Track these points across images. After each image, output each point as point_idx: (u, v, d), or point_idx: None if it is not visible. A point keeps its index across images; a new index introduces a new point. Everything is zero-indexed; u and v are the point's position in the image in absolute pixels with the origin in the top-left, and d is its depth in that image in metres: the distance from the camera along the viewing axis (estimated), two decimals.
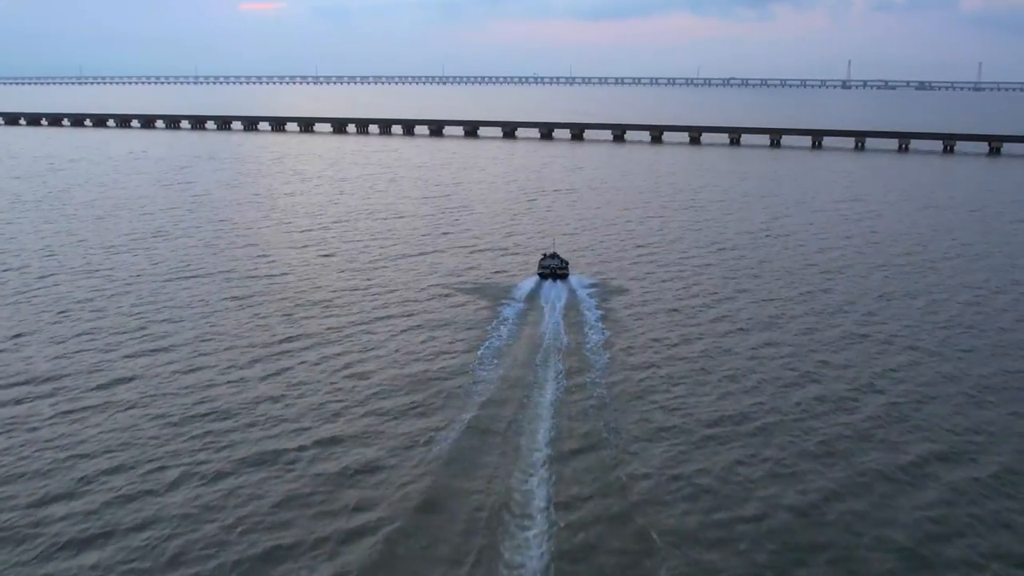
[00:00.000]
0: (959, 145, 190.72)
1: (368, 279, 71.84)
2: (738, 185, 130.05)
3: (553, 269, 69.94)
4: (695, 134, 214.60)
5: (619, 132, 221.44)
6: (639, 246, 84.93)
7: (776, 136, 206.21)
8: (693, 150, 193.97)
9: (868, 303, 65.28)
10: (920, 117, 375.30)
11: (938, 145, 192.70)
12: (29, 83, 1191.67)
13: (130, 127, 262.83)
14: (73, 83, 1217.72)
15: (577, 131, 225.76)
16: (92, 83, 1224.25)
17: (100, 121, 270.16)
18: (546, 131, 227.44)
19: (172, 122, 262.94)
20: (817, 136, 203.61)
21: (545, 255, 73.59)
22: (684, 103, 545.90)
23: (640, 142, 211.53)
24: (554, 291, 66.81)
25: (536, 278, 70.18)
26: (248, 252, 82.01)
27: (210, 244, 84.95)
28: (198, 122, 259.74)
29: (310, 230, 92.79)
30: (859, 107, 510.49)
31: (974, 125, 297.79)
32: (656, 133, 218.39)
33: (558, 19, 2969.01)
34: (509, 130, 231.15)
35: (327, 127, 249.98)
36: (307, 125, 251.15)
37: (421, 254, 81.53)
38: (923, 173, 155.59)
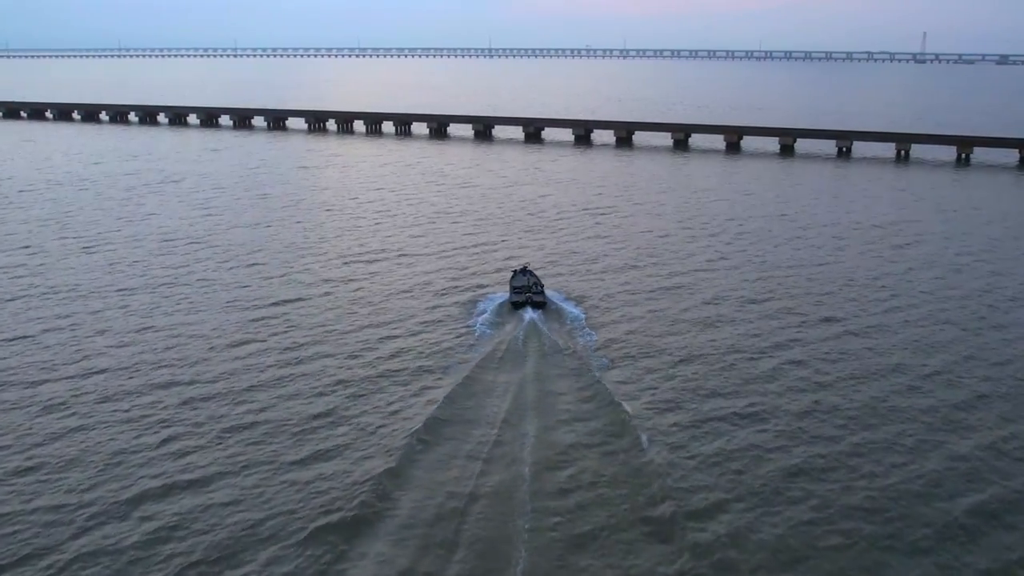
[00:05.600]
0: None
1: None
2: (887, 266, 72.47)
3: (529, 296, 52.74)
4: (787, 140, 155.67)
5: (682, 135, 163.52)
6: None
7: (904, 145, 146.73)
8: (787, 166, 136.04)
9: None
10: None
11: None
12: (71, 56, 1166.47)
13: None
14: (114, 56, 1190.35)
15: (624, 133, 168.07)
16: (132, 56, 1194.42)
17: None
18: (583, 133, 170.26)
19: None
20: (964, 147, 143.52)
21: (516, 272, 56.88)
22: (753, 83, 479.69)
23: (712, 150, 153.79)
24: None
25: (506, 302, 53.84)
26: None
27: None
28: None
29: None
30: (965, 89, 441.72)
31: None
32: (733, 138, 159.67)
33: None
34: (533, 131, 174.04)
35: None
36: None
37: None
38: None
